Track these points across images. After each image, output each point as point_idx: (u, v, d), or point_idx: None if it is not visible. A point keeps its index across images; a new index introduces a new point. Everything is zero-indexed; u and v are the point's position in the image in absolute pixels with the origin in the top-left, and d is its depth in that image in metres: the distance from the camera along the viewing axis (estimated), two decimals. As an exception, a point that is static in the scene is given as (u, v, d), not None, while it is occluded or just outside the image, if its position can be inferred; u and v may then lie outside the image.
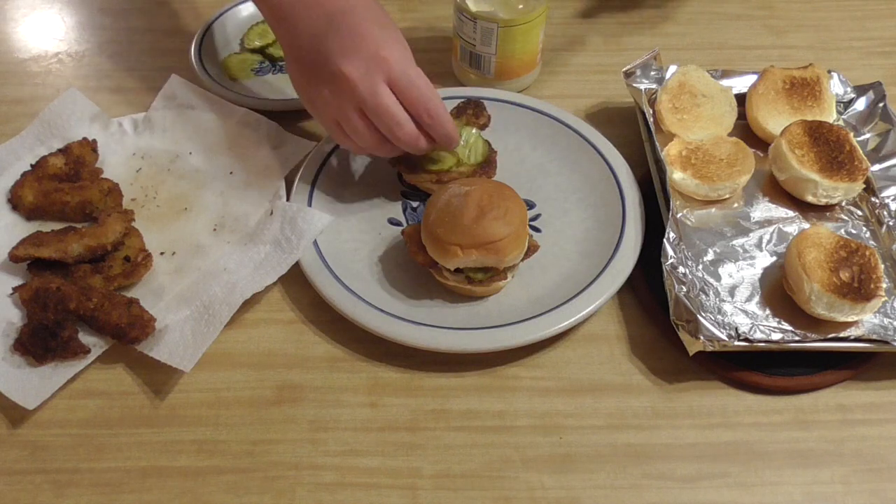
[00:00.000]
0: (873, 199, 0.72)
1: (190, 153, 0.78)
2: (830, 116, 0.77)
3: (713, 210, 0.72)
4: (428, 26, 0.94)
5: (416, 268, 0.67)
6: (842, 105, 0.79)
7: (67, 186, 0.72)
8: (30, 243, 0.67)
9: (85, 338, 0.63)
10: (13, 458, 0.59)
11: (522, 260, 0.66)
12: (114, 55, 0.91)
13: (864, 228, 0.70)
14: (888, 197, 0.72)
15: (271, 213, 0.70)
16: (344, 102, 0.63)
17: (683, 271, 0.64)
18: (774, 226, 0.70)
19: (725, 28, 0.94)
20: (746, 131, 0.78)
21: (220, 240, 0.71)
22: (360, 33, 0.63)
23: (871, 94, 0.79)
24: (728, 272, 0.67)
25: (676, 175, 0.72)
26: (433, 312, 0.65)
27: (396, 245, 0.70)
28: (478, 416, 0.61)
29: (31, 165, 0.74)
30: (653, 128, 0.74)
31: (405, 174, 0.73)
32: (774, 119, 0.76)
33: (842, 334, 0.62)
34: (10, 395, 0.60)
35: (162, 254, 0.70)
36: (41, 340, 0.61)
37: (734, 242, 0.69)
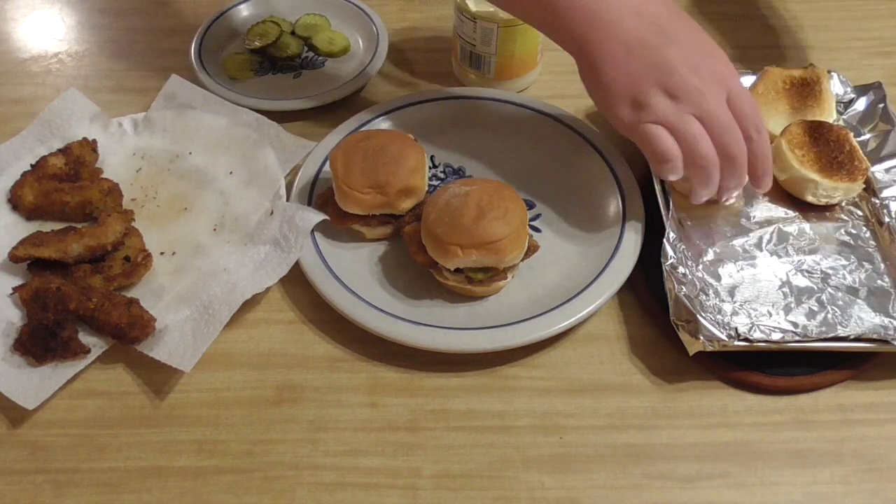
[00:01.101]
0: (873, 199, 0.72)
1: (190, 153, 0.78)
2: (830, 116, 0.77)
3: (713, 210, 0.72)
4: (428, 26, 0.93)
5: (416, 268, 0.67)
6: (842, 105, 0.79)
7: (67, 186, 0.72)
8: (30, 243, 0.67)
9: (85, 338, 0.63)
10: (13, 458, 0.59)
11: (522, 260, 0.66)
12: (114, 55, 0.91)
13: (864, 228, 0.70)
14: (888, 197, 0.72)
15: (271, 212, 0.70)
16: (684, 109, 0.62)
17: (683, 271, 0.64)
18: (774, 226, 0.70)
19: (725, 28, 0.94)
20: (746, 131, 0.78)
21: (220, 240, 0.71)
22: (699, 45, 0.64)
23: (871, 95, 0.79)
24: (728, 272, 0.66)
25: (676, 175, 0.72)
26: (433, 312, 0.65)
27: (396, 245, 0.70)
28: (478, 416, 0.61)
29: (31, 165, 0.74)
30: (653, 128, 0.74)
31: (333, 219, 0.69)
32: (774, 119, 0.76)
33: (841, 334, 0.62)
34: (10, 395, 0.60)
35: (162, 254, 0.70)
36: (41, 340, 0.61)
37: (734, 242, 0.69)
